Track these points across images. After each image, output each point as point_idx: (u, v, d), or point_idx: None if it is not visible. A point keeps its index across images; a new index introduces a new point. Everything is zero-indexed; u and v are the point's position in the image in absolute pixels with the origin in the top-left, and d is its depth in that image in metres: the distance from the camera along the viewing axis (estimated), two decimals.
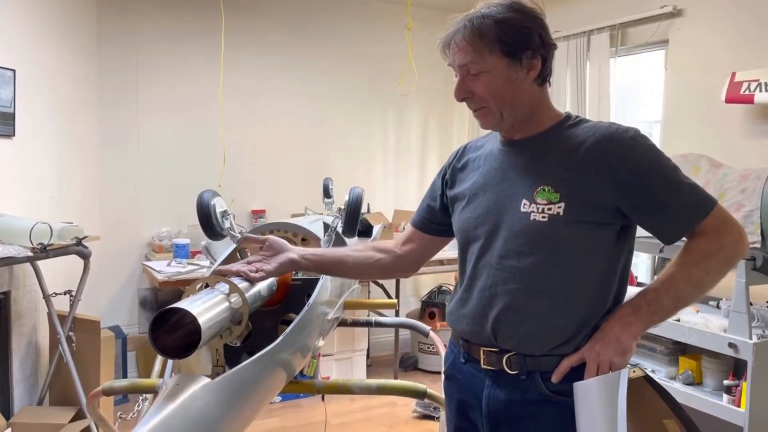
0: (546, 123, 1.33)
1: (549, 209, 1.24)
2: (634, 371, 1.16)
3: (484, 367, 1.32)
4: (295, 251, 1.40)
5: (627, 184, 1.21)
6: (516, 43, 1.26)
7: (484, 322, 1.31)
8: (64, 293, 2.87)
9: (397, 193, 4.89)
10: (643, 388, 1.19)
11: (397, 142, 4.87)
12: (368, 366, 4.32)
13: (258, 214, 4.28)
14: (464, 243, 1.40)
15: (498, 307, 1.29)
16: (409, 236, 1.56)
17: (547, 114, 1.34)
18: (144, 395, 2.10)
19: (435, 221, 1.52)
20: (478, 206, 1.36)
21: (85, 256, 2.80)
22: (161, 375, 1.96)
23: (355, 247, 1.57)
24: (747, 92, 2.91)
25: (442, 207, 1.50)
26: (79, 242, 2.70)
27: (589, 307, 1.26)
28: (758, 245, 2.43)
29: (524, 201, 1.27)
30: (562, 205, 1.23)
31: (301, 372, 1.71)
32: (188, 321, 1.09)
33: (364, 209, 4.30)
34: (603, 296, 1.28)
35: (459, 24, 1.29)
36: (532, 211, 1.25)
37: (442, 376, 1.48)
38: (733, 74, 2.98)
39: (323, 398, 2.18)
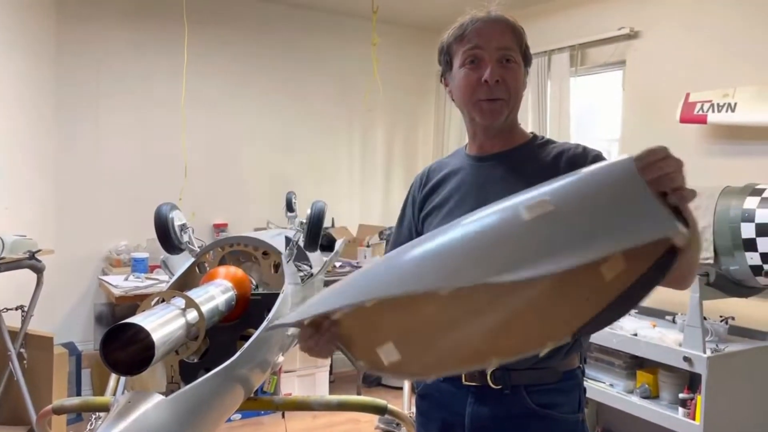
0: (518, 139, 1.37)
1: None
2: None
3: (466, 383, 1.29)
4: None
5: None
6: (528, 54, 1.34)
7: None
8: (16, 308, 2.78)
9: (363, 207, 4.89)
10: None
11: (362, 156, 4.88)
12: (331, 382, 4.28)
13: (220, 227, 4.23)
14: None
15: None
16: None
17: (519, 130, 1.39)
18: (97, 414, 2.04)
19: None
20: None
21: (39, 270, 2.73)
22: (115, 392, 1.91)
23: None
24: (700, 113, 3.00)
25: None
26: (32, 256, 2.62)
27: None
28: (711, 261, 2.49)
29: None
30: None
31: (261, 388, 1.68)
32: (142, 337, 1.07)
33: (328, 223, 4.29)
34: None
35: (495, 12, 1.30)
36: None
37: (409, 396, 1.46)
38: (687, 95, 3.08)
39: (283, 415, 2.15)
